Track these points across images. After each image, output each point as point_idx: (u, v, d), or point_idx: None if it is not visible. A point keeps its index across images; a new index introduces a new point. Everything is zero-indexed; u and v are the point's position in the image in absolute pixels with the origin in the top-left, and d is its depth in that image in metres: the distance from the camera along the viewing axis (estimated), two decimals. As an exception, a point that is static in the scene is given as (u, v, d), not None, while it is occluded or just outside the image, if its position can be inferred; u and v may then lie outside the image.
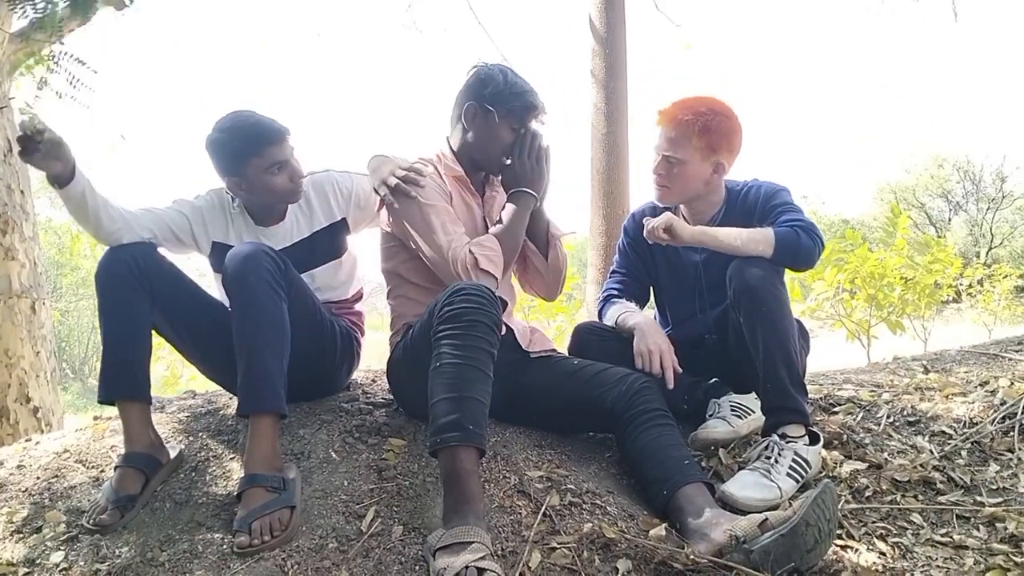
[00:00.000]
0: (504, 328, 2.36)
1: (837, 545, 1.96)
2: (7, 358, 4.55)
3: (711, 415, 2.47)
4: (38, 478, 2.33)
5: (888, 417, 2.62)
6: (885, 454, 2.39)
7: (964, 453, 2.39)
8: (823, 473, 2.29)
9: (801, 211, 2.42)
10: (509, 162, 2.37)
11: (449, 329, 1.94)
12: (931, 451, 2.40)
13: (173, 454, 2.28)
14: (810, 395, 2.60)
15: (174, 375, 6.85)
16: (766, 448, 2.22)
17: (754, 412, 2.44)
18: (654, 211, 2.69)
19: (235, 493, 2.03)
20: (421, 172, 2.29)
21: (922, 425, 2.57)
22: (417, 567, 1.81)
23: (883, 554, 1.97)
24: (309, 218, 2.53)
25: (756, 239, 2.31)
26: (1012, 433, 2.46)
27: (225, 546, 1.89)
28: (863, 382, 3.08)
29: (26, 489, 2.27)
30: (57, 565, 1.90)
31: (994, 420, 2.52)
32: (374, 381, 2.91)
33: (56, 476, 2.33)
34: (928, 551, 1.99)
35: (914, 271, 6.92)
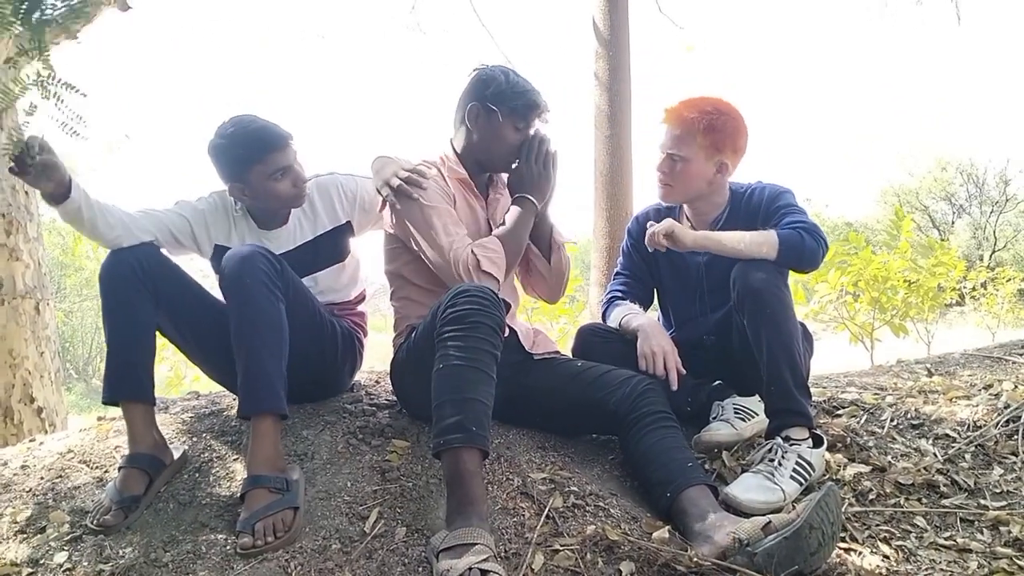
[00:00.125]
0: (507, 330, 2.36)
1: (840, 548, 1.96)
2: (11, 358, 4.55)
3: (714, 417, 2.47)
4: (42, 478, 2.33)
5: (892, 420, 2.62)
6: (889, 457, 2.39)
7: (968, 456, 2.39)
8: (827, 476, 2.29)
9: (805, 213, 2.42)
10: (516, 165, 2.37)
11: (452, 331, 1.94)
12: (935, 454, 2.40)
13: (177, 455, 2.28)
14: (814, 398, 2.60)
15: (178, 376, 6.86)
16: (770, 451, 2.22)
17: (758, 415, 2.43)
18: (658, 213, 2.69)
19: (238, 494, 2.03)
20: (424, 174, 2.30)
21: (926, 428, 2.56)
22: (420, 569, 1.81)
23: (887, 557, 1.96)
24: (313, 222, 2.53)
25: (759, 242, 2.31)
26: (1016, 436, 2.45)
27: (228, 547, 1.89)
28: (867, 385, 3.08)
29: (30, 489, 2.27)
30: (61, 565, 1.90)
31: (998, 423, 2.51)
32: (377, 382, 2.92)
33: (60, 476, 2.33)
34: (932, 554, 1.98)
35: (918, 274, 6.92)
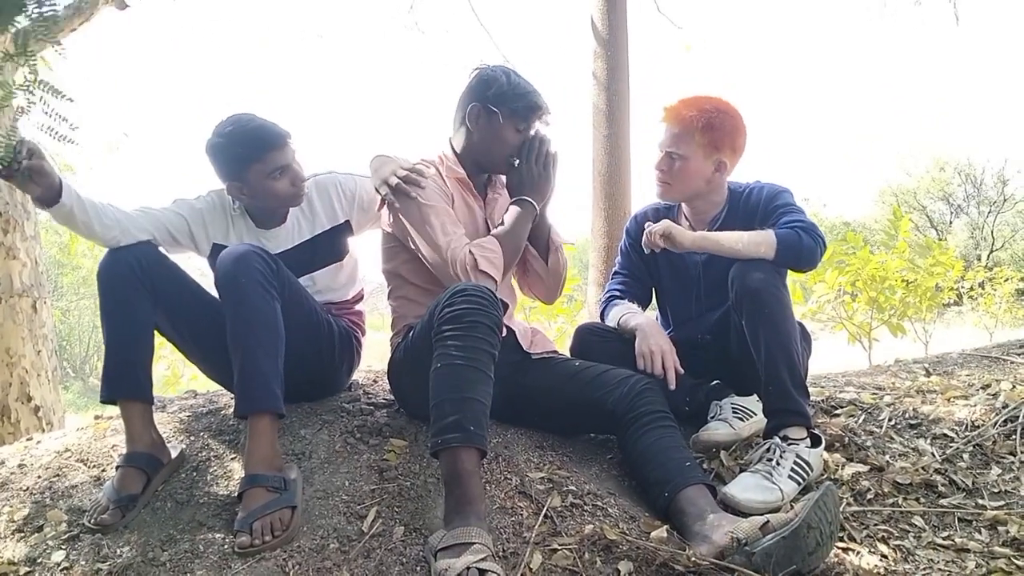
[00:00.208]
0: (505, 330, 2.36)
1: (839, 548, 1.96)
2: (8, 357, 4.55)
3: (712, 417, 2.47)
4: (39, 477, 2.33)
5: (890, 420, 2.62)
6: (887, 457, 2.39)
7: (966, 456, 2.39)
8: (825, 475, 2.29)
9: (803, 212, 2.42)
10: (517, 164, 2.36)
11: (450, 330, 1.93)
12: (933, 454, 2.40)
13: (174, 454, 2.28)
14: (812, 397, 2.60)
15: (175, 375, 6.85)
16: (768, 450, 2.22)
17: (756, 414, 2.44)
18: (656, 213, 2.70)
19: (236, 493, 2.03)
20: (422, 173, 2.29)
21: (924, 428, 2.56)
22: (418, 568, 1.81)
23: (884, 557, 1.96)
24: (311, 221, 2.53)
25: (757, 242, 2.31)
26: (1014, 436, 2.46)
27: (226, 546, 1.89)
28: (865, 384, 3.08)
29: (27, 488, 2.27)
30: (58, 564, 1.90)
31: (996, 423, 2.52)
32: (375, 381, 2.91)
33: (57, 475, 2.33)
34: (930, 554, 1.98)
35: (915, 274, 6.92)
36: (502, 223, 2.34)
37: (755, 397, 2.46)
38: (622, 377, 2.28)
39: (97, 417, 2.80)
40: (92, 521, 2.02)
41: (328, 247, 2.54)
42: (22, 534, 2.05)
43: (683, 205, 2.64)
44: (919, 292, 6.96)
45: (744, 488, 2.13)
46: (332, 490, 2.08)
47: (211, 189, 2.51)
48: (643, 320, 2.52)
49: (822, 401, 2.80)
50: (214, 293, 2.37)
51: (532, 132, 2.36)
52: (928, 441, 2.48)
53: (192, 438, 2.43)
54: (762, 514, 1.88)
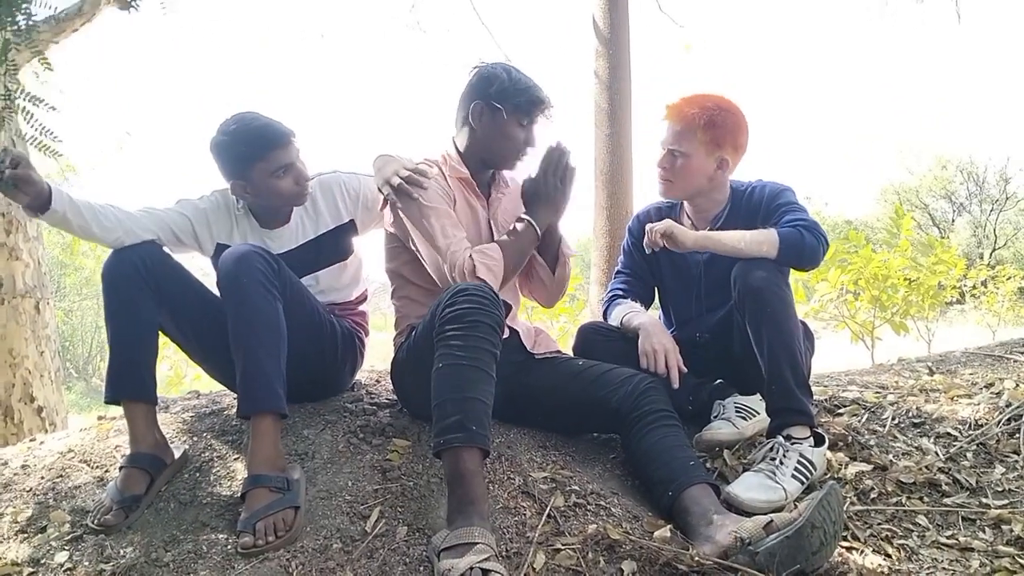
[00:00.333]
0: (508, 330, 2.36)
1: (842, 547, 1.95)
2: (11, 358, 4.56)
3: (716, 416, 2.47)
4: (42, 478, 2.33)
5: (893, 419, 2.61)
6: (890, 456, 2.38)
7: (970, 455, 2.39)
8: (828, 475, 2.28)
9: (805, 211, 2.42)
10: (534, 176, 2.34)
11: (452, 330, 1.93)
12: (936, 453, 2.40)
13: (178, 454, 2.28)
14: (815, 396, 2.60)
15: (178, 375, 6.86)
16: (771, 449, 2.22)
17: (759, 413, 2.43)
18: (659, 212, 2.70)
19: (239, 494, 2.03)
20: (425, 173, 2.29)
21: (927, 427, 2.56)
22: (421, 568, 1.81)
23: (888, 556, 1.96)
24: (315, 220, 2.53)
25: (760, 241, 2.30)
26: (1018, 435, 2.45)
27: (229, 546, 1.89)
28: (868, 383, 3.07)
29: (30, 489, 2.27)
30: (62, 565, 1.90)
31: (999, 422, 2.51)
32: (378, 381, 2.91)
33: (61, 476, 2.33)
34: (934, 553, 1.98)
35: (918, 272, 6.91)
36: (512, 230, 2.32)
37: (758, 396, 2.45)
38: (626, 376, 2.28)
39: (100, 418, 2.80)
40: (95, 522, 2.02)
41: (332, 247, 2.54)
42: (25, 535, 2.06)
43: (685, 204, 2.64)
44: (922, 291, 6.95)
45: (747, 487, 2.13)
46: (335, 490, 2.08)
47: (215, 189, 2.51)
48: (646, 319, 2.52)
49: (825, 400, 2.80)
50: (217, 293, 2.37)
51: (555, 144, 2.34)
52: (932, 440, 2.48)
53: (195, 438, 2.43)
54: (766, 513, 1.88)
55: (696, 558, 1.77)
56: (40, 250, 4.83)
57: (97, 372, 16.11)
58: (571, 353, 2.61)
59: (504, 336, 2.24)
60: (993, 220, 22.70)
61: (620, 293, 2.71)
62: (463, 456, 1.85)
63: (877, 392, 2.89)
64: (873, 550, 1.98)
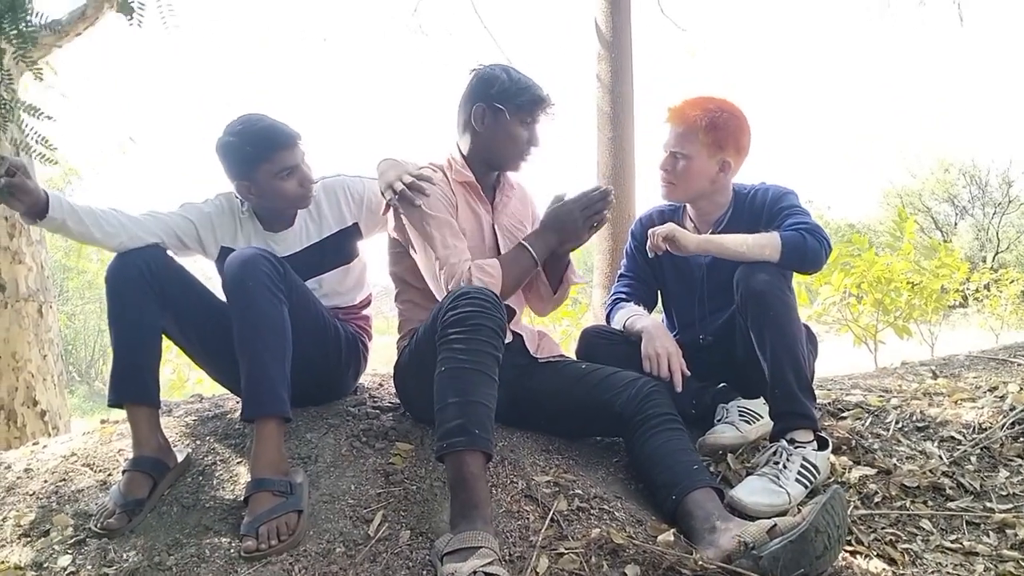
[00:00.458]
0: (511, 334, 2.36)
1: (846, 551, 1.95)
2: (14, 361, 4.56)
3: (719, 420, 2.47)
4: (45, 481, 2.33)
5: (897, 422, 2.61)
6: (894, 460, 2.38)
7: (973, 459, 2.38)
8: (832, 479, 2.28)
9: (808, 214, 2.42)
10: (563, 200, 2.32)
11: (454, 333, 1.93)
12: (940, 457, 2.39)
13: (180, 458, 2.28)
14: (818, 400, 2.59)
15: (180, 378, 6.86)
16: (774, 453, 2.21)
17: (762, 417, 2.43)
18: (661, 215, 2.70)
19: (242, 497, 2.03)
20: (429, 179, 2.28)
21: (931, 431, 2.56)
22: (424, 572, 1.80)
23: (892, 561, 1.96)
24: (319, 223, 2.53)
25: (762, 244, 2.30)
26: (1022, 439, 2.45)
27: (232, 550, 1.89)
28: (871, 387, 3.07)
29: (33, 492, 2.27)
30: (64, 569, 1.90)
31: (1003, 426, 2.51)
32: (381, 385, 2.91)
33: (63, 480, 2.33)
34: (938, 557, 1.98)
35: (921, 276, 6.90)
36: (513, 251, 2.31)
37: (761, 400, 2.45)
38: (629, 379, 2.28)
39: (103, 421, 2.80)
40: (98, 525, 2.02)
41: (336, 250, 2.54)
42: (28, 538, 2.06)
43: (688, 206, 2.64)
44: (925, 294, 6.94)
45: (751, 491, 2.13)
46: (338, 494, 2.08)
47: (219, 192, 2.51)
48: (649, 322, 2.52)
49: (829, 404, 2.79)
50: (221, 297, 2.38)
51: (604, 187, 2.32)
52: (935, 444, 2.47)
53: (198, 442, 2.43)
54: (769, 517, 1.88)
55: (700, 562, 1.77)
56: (43, 254, 4.84)
57: (100, 376, 16.13)
58: (574, 357, 2.61)
59: (508, 340, 2.24)
60: (996, 223, 22.68)
61: (623, 296, 2.71)
62: (466, 460, 1.85)
63: (880, 396, 2.88)
64: (877, 554, 1.97)
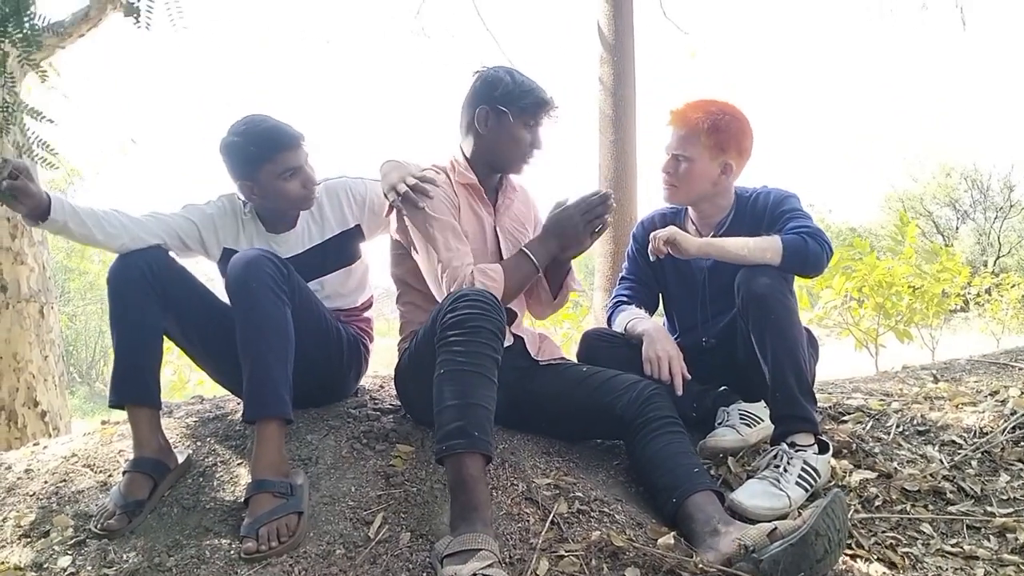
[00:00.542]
0: (512, 337, 2.36)
1: (847, 555, 1.95)
2: (15, 362, 4.57)
3: (720, 423, 2.47)
4: (46, 482, 2.33)
5: (898, 426, 2.61)
6: (895, 463, 2.38)
7: (974, 463, 2.38)
8: (832, 482, 2.28)
9: (809, 217, 2.42)
10: (563, 205, 2.32)
11: (453, 335, 1.93)
12: (941, 461, 2.39)
13: (181, 459, 2.28)
14: (819, 404, 2.59)
15: (181, 380, 6.87)
16: (775, 457, 2.21)
17: (763, 420, 2.43)
18: (663, 218, 2.70)
19: (243, 499, 2.03)
20: (433, 181, 2.28)
21: (932, 434, 2.55)
22: (424, 574, 1.80)
23: (893, 565, 1.96)
24: (321, 225, 2.53)
25: (763, 247, 2.30)
26: (1023, 443, 2.45)
27: (232, 552, 1.89)
28: (872, 391, 3.07)
29: (34, 493, 2.27)
30: (64, 569, 1.90)
31: (1004, 430, 2.51)
32: (382, 387, 2.91)
33: (64, 480, 2.33)
34: (938, 561, 1.98)
35: (922, 280, 6.89)
36: (514, 257, 2.31)
37: (762, 403, 2.45)
38: (630, 382, 2.28)
39: (104, 422, 2.80)
40: (98, 526, 2.02)
41: (338, 251, 2.54)
42: (29, 539, 2.06)
43: (689, 209, 2.64)
44: (926, 298, 6.93)
45: (751, 495, 2.13)
46: (338, 496, 2.08)
47: (221, 193, 2.51)
48: (650, 325, 2.52)
49: (829, 407, 2.79)
50: (222, 298, 2.38)
51: (605, 191, 2.30)
52: (936, 448, 2.47)
53: (199, 443, 2.43)
54: (770, 521, 1.88)
55: (700, 565, 1.77)
56: (45, 254, 4.85)
57: (101, 377, 16.14)
58: (575, 359, 2.61)
59: (509, 343, 2.24)
60: (997, 228, 22.69)
61: (624, 299, 2.71)
62: (465, 462, 1.85)
63: (881, 399, 2.88)
64: (877, 558, 1.97)
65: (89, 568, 1.89)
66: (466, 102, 2.39)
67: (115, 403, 2.22)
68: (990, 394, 2.86)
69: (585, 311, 7.14)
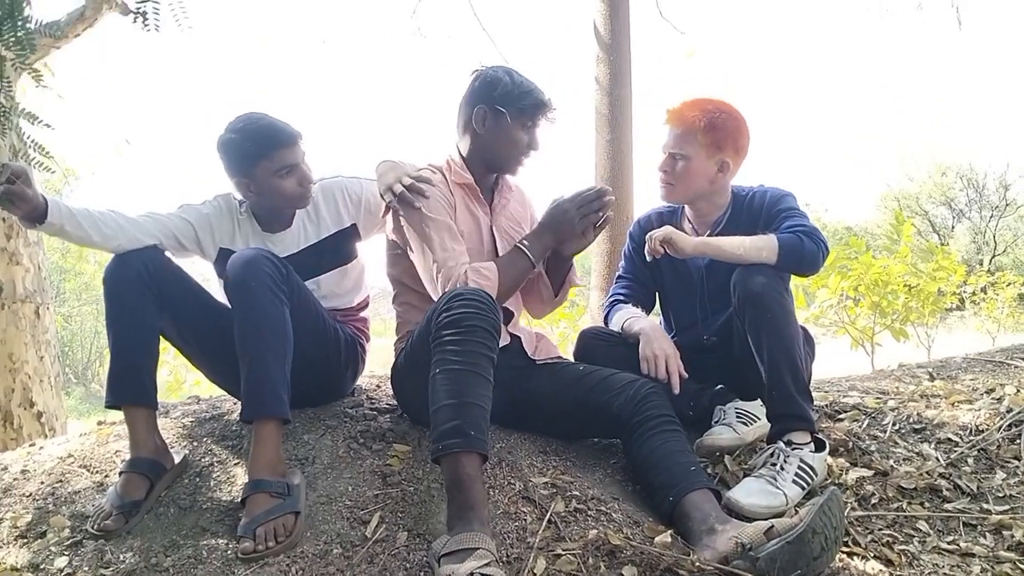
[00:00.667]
0: (509, 336, 2.36)
1: (843, 553, 1.95)
2: (11, 363, 4.56)
3: (716, 422, 2.47)
4: (42, 483, 2.32)
5: (894, 424, 2.61)
6: (891, 461, 2.38)
7: (970, 460, 2.38)
8: (829, 480, 2.28)
9: (806, 216, 2.42)
10: (559, 200, 2.32)
11: (448, 335, 1.93)
12: (937, 458, 2.39)
13: (178, 459, 2.28)
14: (815, 402, 2.60)
15: (177, 380, 6.85)
16: (772, 455, 2.22)
17: (760, 419, 2.43)
18: (660, 217, 2.70)
19: (239, 499, 2.03)
20: (429, 181, 2.28)
21: (928, 432, 2.56)
22: (422, 573, 1.80)
23: (889, 562, 1.96)
24: (317, 224, 2.53)
25: (759, 246, 2.30)
26: (1019, 441, 2.45)
27: (229, 552, 1.89)
28: (868, 389, 3.07)
29: (30, 494, 2.27)
30: (61, 570, 1.90)
31: (1000, 427, 2.51)
32: (378, 387, 2.91)
33: (60, 481, 2.33)
34: (935, 559, 1.98)
35: (918, 278, 6.90)
36: (510, 254, 2.31)
37: (759, 402, 2.45)
38: (627, 381, 2.28)
39: (100, 423, 2.80)
40: (95, 527, 2.02)
41: (334, 251, 2.54)
42: (25, 540, 2.05)
43: (686, 208, 2.64)
44: (922, 297, 6.94)
45: (748, 493, 2.13)
46: (335, 495, 2.08)
47: (217, 193, 2.51)
48: (647, 324, 2.52)
49: (826, 406, 2.80)
50: (218, 298, 2.37)
51: (601, 187, 2.31)
52: (932, 445, 2.48)
53: (195, 443, 2.43)
54: (766, 519, 1.88)
55: (697, 563, 1.77)
56: (40, 255, 4.84)
57: (96, 377, 16.12)
58: (572, 358, 2.61)
59: (506, 342, 2.24)
60: (993, 226, 22.74)
61: (621, 298, 2.71)
62: (462, 461, 1.85)
63: (878, 398, 2.89)
64: (874, 556, 1.98)
65: (86, 569, 1.89)
66: (464, 101, 2.39)
67: (111, 403, 2.22)
68: (986, 392, 2.86)
69: (582, 310, 7.14)
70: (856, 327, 6.86)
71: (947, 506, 2.19)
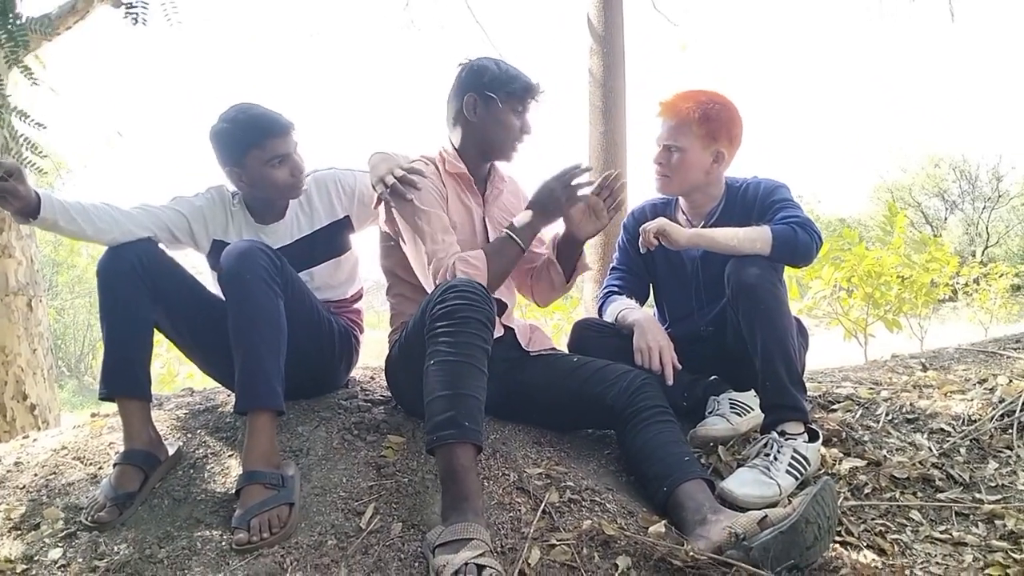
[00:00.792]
0: (503, 328, 2.37)
1: (836, 542, 1.96)
2: (4, 355, 4.55)
3: (710, 412, 2.48)
4: (36, 475, 2.32)
5: (887, 414, 2.62)
6: (884, 451, 2.39)
7: (963, 450, 2.40)
8: (822, 470, 2.29)
9: (799, 208, 2.42)
10: (547, 182, 2.31)
11: (442, 326, 1.93)
12: (930, 448, 2.41)
13: (171, 451, 2.27)
14: (809, 392, 2.60)
15: (170, 372, 6.85)
16: (765, 445, 2.22)
17: (753, 410, 2.44)
18: (654, 208, 2.70)
19: (234, 490, 2.03)
20: (420, 172, 2.28)
21: (921, 422, 2.57)
22: (416, 564, 1.81)
23: (882, 551, 1.97)
24: (310, 216, 2.52)
25: (753, 238, 2.31)
26: (1011, 431, 2.46)
27: (224, 543, 1.89)
28: (862, 380, 3.08)
29: (24, 486, 2.27)
30: (55, 562, 1.90)
31: (993, 418, 2.52)
32: (373, 378, 2.91)
33: (54, 473, 2.32)
34: (927, 548, 1.99)
35: (911, 270, 6.92)
36: (497, 241, 2.31)
37: (752, 392, 2.46)
38: (621, 372, 2.28)
39: (94, 415, 2.79)
40: (89, 519, 2.02)
41: (327, 243, 2.54)
42: (19, 532, 2.05)
43: (680, 200, 2.64)
44: (915, 288, 6.97)
45: (742, 483, 2.14)
46: (330, 487, 2.08)
47: (210, 186, 2.50)
48: (641, 316, 2.52)
49: (819, 396, 2.81)
50: (211, 290, 2.37)
51: (583, 164, 2.31)
52: (925, 436, 2.49)
53: (189, 435, 2.43)
54: (760, 509, 1.89)
55: (691, 553, 1.77)
56: (33, 248, 4.82)
57: (89, 370, 16.10)
58: (566, 350, 2.62)
59: (500, 334, 2.24)
60: (985, 218, 22.83)
61: (615, 289, 2.71)
62: (456, 452, 1.85)
63: (871, 388, 2.90)
64: (867, 545, 1.99)
65: (80, 560, 1.89)
66: (452, 93, 2.39)
67: (105, 395, 2.22)
68: (978, 382, 2.88)
69: (576, 302, 7.14)
70: (849, 318, 6.88)
71: (940, 496, 2.20)
